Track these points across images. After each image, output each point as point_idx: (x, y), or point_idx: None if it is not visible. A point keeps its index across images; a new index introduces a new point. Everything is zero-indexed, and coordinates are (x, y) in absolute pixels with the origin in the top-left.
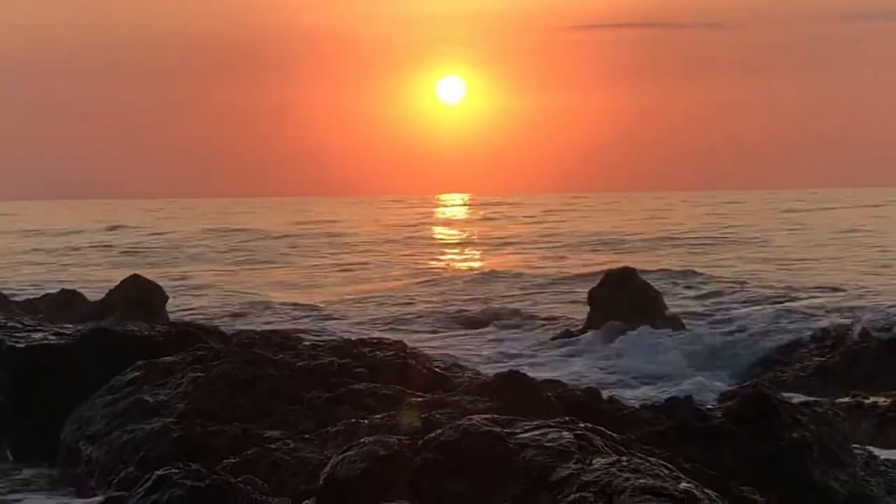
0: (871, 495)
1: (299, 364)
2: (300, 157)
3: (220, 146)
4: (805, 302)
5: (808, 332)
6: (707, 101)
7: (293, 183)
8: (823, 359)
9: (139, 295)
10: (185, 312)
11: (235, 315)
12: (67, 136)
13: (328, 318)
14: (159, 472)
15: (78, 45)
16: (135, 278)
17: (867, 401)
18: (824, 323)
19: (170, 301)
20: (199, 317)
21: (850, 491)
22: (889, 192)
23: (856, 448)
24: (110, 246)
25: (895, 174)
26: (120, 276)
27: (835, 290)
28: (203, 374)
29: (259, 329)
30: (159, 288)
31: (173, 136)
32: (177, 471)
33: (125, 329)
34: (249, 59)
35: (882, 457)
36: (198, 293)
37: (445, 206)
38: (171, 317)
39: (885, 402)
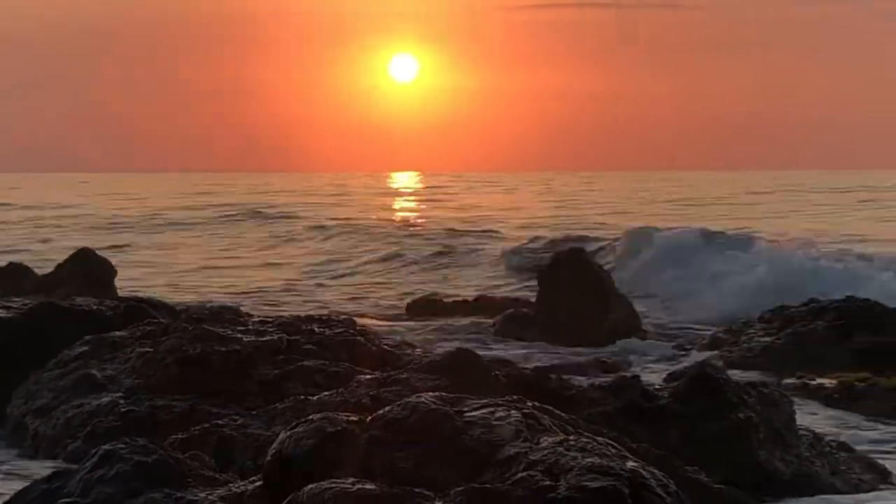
0: (815, 476)
1: (248, 340)
2: (252, 133)
3: (173, 122)
4: None
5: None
6: (662, 82)
7: (245, 159)
8: (770, 339)
9: (88, 269)
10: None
11: None
12: (26, 110)
13: None
14: (106, 447)
15: (33, 23)
16: (84, 252)
17: (813, 382)
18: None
19: None
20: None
21: (795, 471)
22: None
23: (801, 429)
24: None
25: (853, 157)
26: None
27: None
28: (151, 350)
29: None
30: (108, 262)
31: (123, 112)
32: (124, 446)
33: (73, 303)
34: (202, 36)
35: (827, 438)
36: None
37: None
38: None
39: (831, 383)
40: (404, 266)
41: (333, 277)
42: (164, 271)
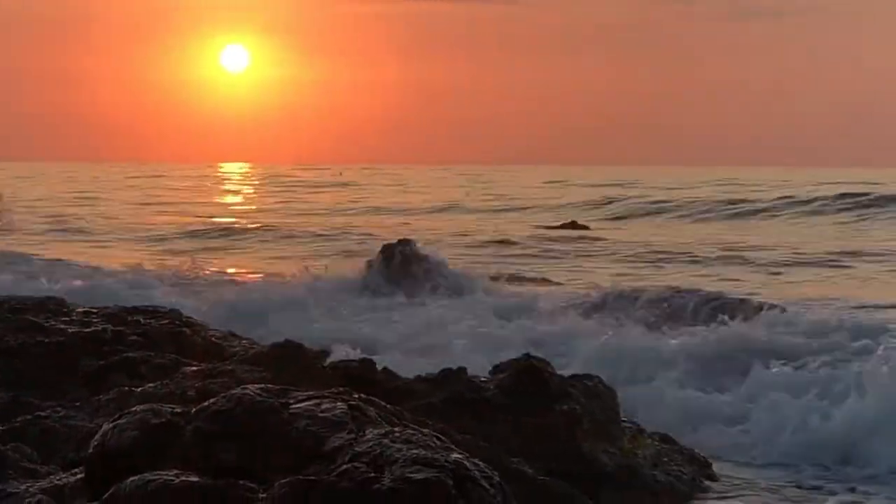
0: (637, 467)
1: (72, 331)
2: (82, 123)
3: None
4: None
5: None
6: (502, 77)
7: (74, 148)
8: None
9: None
10: None
11: None
12: None
13: None
14: None
15: None
16: None
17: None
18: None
19: None
20: None
21: (618, 463)
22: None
23: (625, 421)
24: None
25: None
26: None
27: None
28: None
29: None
30: None
31: None
32: None
33: None
34: (28, 25)
35: (649, 430)
36: None
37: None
38: None
39: None
40: None
41: None
42: None
